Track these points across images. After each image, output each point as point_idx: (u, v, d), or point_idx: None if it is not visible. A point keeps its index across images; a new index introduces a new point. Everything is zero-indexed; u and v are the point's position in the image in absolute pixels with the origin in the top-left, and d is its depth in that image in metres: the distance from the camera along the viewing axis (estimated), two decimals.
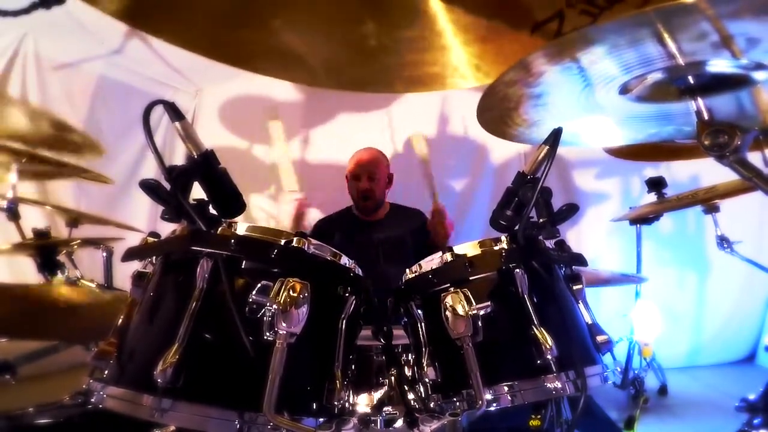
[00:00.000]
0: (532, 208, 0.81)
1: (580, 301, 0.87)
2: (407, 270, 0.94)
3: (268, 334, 0.69)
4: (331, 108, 2.82)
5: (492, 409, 0.76)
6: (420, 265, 0.91)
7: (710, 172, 2.14)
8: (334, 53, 1.15)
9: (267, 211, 2.81)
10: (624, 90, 0.78)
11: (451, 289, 0.81)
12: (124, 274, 0.87)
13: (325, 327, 0.80)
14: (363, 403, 0.94)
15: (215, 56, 1.05)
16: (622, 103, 0.82)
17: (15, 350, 1.18)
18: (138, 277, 0.79)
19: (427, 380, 0.86)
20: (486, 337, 0.78)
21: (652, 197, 2.04)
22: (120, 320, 0.77)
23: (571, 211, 0.84)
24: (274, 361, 0.67)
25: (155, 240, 0.81)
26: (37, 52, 2.28)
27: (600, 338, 0.84)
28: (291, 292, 0.69)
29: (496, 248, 0.85)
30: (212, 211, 0.77)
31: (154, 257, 0.81)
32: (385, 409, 0.92)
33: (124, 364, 0.72)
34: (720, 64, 0.68)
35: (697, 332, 2.83)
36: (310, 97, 2.77)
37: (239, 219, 0.80)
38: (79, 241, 1.63)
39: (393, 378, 0.94)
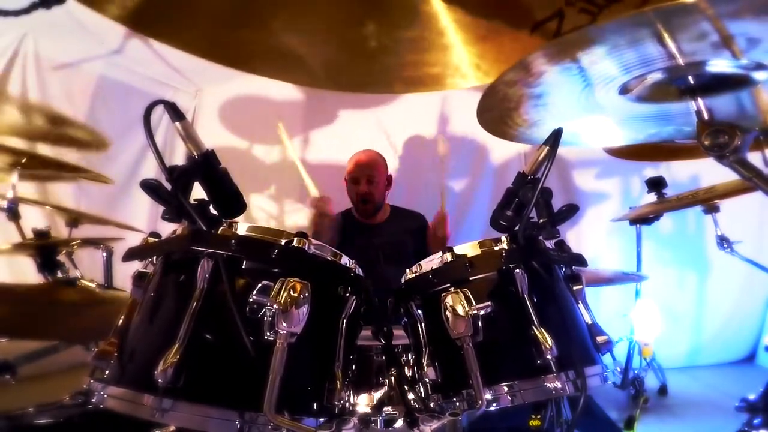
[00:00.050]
0: (532, 209, 0.81)
1: (579, 302, 0.87)
2: (407, 270, 0.94)
3: (268, 334, 0.70)
4: (332, 109, 2.82)
5: (492, 409, 0.76)
6: (420, 266, 0.91)
7: (710, 172, 2.14)
8: (334, 54, 1.15)
9: (267, 211, 2.81)
10: (624, 90, 0.78)
11: (452, 289, 0.81)
12: (124, 274, 0.87)
13: (326, 327, 0.80)
14: (363, 403, 0.94)
15: (215, 58, 1.05)
16: (622, 103, 0.82)
17: (15, 350, 1.18)
18: (139, 277, 0.79)
19: (427, 380, 0.86)
20: (486, 337, 0.78)
21: (652, 197, 2.04)
22: (120, 320, 0.77)
23: (571, 211, 0.84)
24: (274, 361, 0.67)
25: (156, 240, 0.81)
26: (37, 52, 2.28)
27: (600, 338, 0.84)
28: (291, 292, 0.69)
29: (496, 248, 0.85)
30: (213, 211, 0.77)
31: (154, 257, 0.81)
32: (385, 409, 0.92)
33: (125, 364, 0.72)
34: (720, 64, 0.68)
35: (697, 332, 2.83)
36: (311, 97, 2.78)
37: (240, 219, 0.80)
38: (79, 241, 1.63)
39: (393, 378, 0.94)
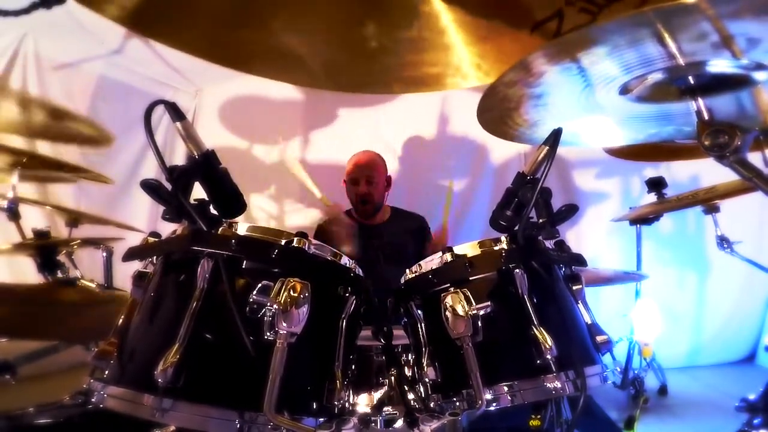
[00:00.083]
0: (532, 209, 0.81)
1: (579, 301, 0.87)
2: (407, 270, 0.94)
3: (268, 333, 0.69)
4: (332, 109, 2.82)
5: (492, 408, 0.76)
6: (420, 266, 0.91)
7: (710, 172, 2.14)
8: (333, 54, 1.15)
9: (267, 211, 2.81)
10: (624, 90, 0.78)
11: (451, 289, 0.81)
12: (124, 274, 0.87)
13: (326, 327, 0.80)
14: (363, 403, 0.94)
15: (215, 59, 1.05)
16: (622, 103, 0.82)
17: (15, 350, 1.18)
18: (138, 277, 0.79)
19: (427, 380, 0.86)
20: (486, 337, 0.78)
21: (652, 197, 2.04)
22: (120, 320, 0.77)
23: (570, 211, 0.84)
24: (274, 361, 0.67)
25: (156, 240, 0.81)
26: (37, 52, 2.28)
27: (599, 338, 0.84)
28: (291, 292, 0.69)
29: (495, 248, 0.85)
30: (213, 211, 0.77)
31: (154, 257, 0.81)
32: (385, 409, 0.92)
33: (125, 363, 0.72)
34: (720, 65, 0.68)
35: (697, 332, 2.83)
36: (310, 97, 2.78)
37: (240, 219, 0.80)
38: (79, 241, 1.63)
39: (393, 378, 0.94)
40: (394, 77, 1.21)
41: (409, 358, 0.98)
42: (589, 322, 0.86)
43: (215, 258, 0.72)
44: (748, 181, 0.67)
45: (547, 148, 0.82)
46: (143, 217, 2.41)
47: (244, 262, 0.74)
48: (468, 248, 0.86)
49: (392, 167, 2.66)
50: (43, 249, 1.39)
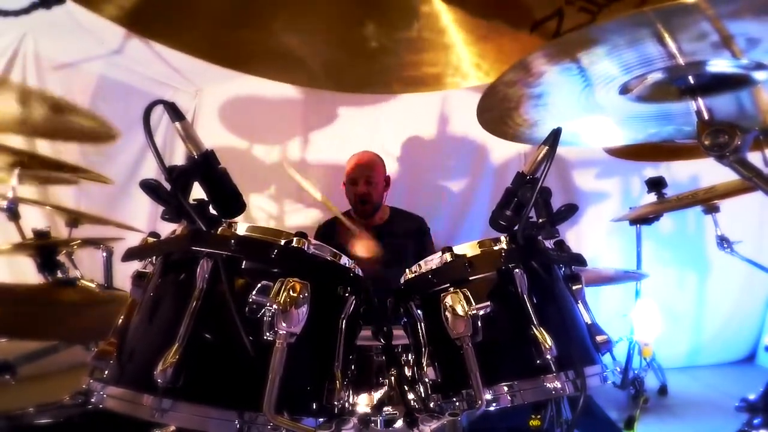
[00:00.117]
0: (532, 209, 0.81)
1: (579, 301, 0.87)
2: (407, 270, 0.94)
3: (268, 334, 0.69)
4: (331, 109, 2.82)
5: (491, 409, 0.76)
6: (420, 266, 0.91)
7: (710, 172, 2.14)
8: (333, 54, 1.15)
9: (267, 211, 2.81)
10: (624, 90, 0.78)
11: (451, 289, 0.81)
12: (124, 274, 0.87)
13: (325, 327, 0.80)
14: (363, 403, 0.94)
15: (215, 59, 1.05)
16: (622, 103, 0.82)
17: (15, 350, 1.18)
18: (138, 277, 0.79)
19: (426, 380, 0.86)
20: (485, 337, 0.78)
21: (652, 197, 2.04)
22: (120, 320, 0.77)
23: (570, 211, 0.84)
24: (274, 361, 0.67)
25: (155, 240, 0.81)
26: (37, 52, 2.28)
27: (599, 338, 0.84)
28: (291, 292, 0.69)
29: (495, 248, 0.85)
30: (212, 211, 0.77)
31: (154, 257, 0.81)
32: (385, 409, 0.92)
33: (124, 364, 0.72)
34: (720, 64, 0.68)
35: (697, 332, 2.83)
36: (310, 97, 2.78)
37: (239, 219, 0.80)
38: (79, 241, 1.63)
39: (393, 378, 0.94)
40: (394, 77, 1.21)
41: (409, 358, 0.98)
42: (589, 322, 0.86)
43: (215, 258, 0.72)
44: (748, 181, 0.67)
45: (547, 147, 0.82)
46: (143, 217, 2.41)
47: (244, 262, 0.74)
48: (468, 248, 0.86)
49: (392, 167, 2.66)
50: (43, 249, 1.39)
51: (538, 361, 0.76)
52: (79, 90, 2.40)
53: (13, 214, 1.48)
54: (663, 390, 2.33)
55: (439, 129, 2.82)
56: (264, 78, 1.19)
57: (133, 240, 0.99)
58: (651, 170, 2.42)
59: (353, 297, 0.84)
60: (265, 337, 0.69)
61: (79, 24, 2.01)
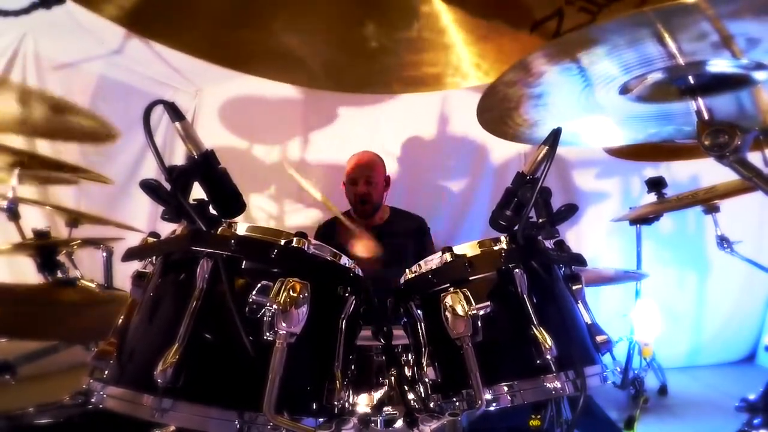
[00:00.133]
0: (532, 209, 0.81)
1: (579, 301, 0.87)
2: (407, 270, 0.94)
3: (268, 334, 0.69)
4: (331, 109, 2.82)
5: (491, 409, 0.76)
6: (420, 266, 0.91)
7: (710, 172, 2.14)
8: (333, 54, 1.15)
9: (267, 211, 2.81)
10: (624, 90, 0.78)
11: (451, 289, 0.81)
12: (124, 274, 0.87)
13: (325, 327, 0.80)
14: (363, 403, 0.94)
15: (215, 59, 1.05)
16: (622, 103, 0.82)
17: (15, 350, 1.18)
18: (138, 277, 0.79)
19: (426, 380, 0.86)
20: (486, 337, 0.78)
21: (652, 197, 2.04)
22: (120, 320, 0.77)
23: (570, 211, 0.84)
24: (274, 361, 0.67)
25: (155, 240, 0.81)
26: (37, 52, 2.28)
27: (599, 338, 0.84)
28: (291, 292, 0.69)
29: (495, 248, 0.85)
30: (212, 211, 0.77)
31: (154, 257, 0.81)
32: (385, 409, 0.92)
33: (124, 364, 0.72)
34: (720, 64, 0.68)
35: (697, 332, 2.83)
36: (310, 97, 2.78)
37: (239, 219, 0.80)
38: (79, 241, 1.63)
39: (393, 378, 0.94)
40: (394, 77, 1.21)
41: (409, 358, 0.98)
42: (589, 322, 0.86)
43: (214, 258, 0.72)
44: (748, 181, 0.67)
45: (547, 147, 0.82)
46: (143, 217, 2.41)
47: (244, 262, 0.74)
48: (468, 248, 0.86)
49: (392, 167, 2.66)
50: (43, 249, 1.39)
51: (538, 361, 0.76)
52: (79, 90, 2.40)
53: (13, 214, 1.49)
54: (663, 390, 2.33)
55: (439, 129, 2.82)
56: (264, 78, 1.18)
57: (133, 240, 0.99)
58: (651, 170, 2.42)
59: (353, 297, 0.84)
60: (265, 337, 0.69)
61: (79, 24, 2.01)
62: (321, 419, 0.75)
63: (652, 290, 2.29)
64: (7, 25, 2.17)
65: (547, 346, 0.75)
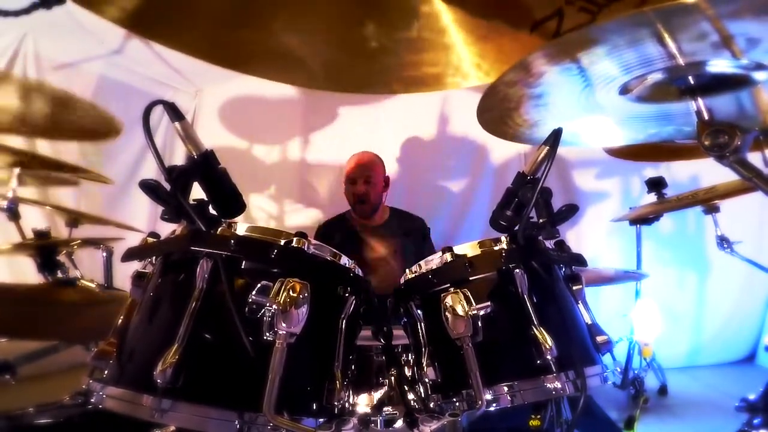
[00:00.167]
0: (532, 209, 0.81)
1: (579, 302, 0.87)
2: (407, 270, 0.94)
3: (267, 334, 0.69)
4: (331, 109, 2.82)
5: (492, 409, 0.76)
6: (420, 266, 0.91)
7: (710, 172, 2.14)
8: (333, 55, 1.15)
9: (267, 211, 2.81)
10: (624, 90, 0.78)
11: (451, 289, 0.81)
12: (124, 274, 0.87)
13: (325, 327, 0.80)
14: (363, 403, 0.94)
15: (215, 59, 1.05)
16: (622, 103, 0.82)
17: (15, 350, 1.18)
18: (138, 278, 0.79)
19: (427, 380, 0.86)
20: (486, 337, 0.78)
21: (652, 197, 2.04)
22: (120, 320, 0.77)
23: (571, 211, 0.84)
24: (273, 361, 0.67)
25: (155, 240, 0.81)
26: (37, 52, 2.28)
27: (600, 338, 0.84)
28: (291, 292, 0.69)
29: (495, 248, 0.85)
30: (212, 211, 0.77)
31: (153, 257, 0.81)
32: (385, 409, 0.92)
33: (124, 364, 0.72)
34: (720, 64, 0.68)
35: (697, 332, 2.83)
36: (310, 98, 2.77)
37: (239, 219, 0.80)
38: (79, 241, 1.63)
39: (393, 378, 0.94)
40: (394, 77, 1.21)
41: (409, 358, 0.98)
42: (589, 322, 0.86)
43: (214, 258, 0.72)
44: (748, 181, 0.67)
45: (548, 147, 0.82)
46: (143, 217, 2.41)
47: (244, 262, 0.74)
48: (468, 248, 0.86)
49: (392, 167, 2.66)
50: (43, 249, 1.39)
51: (538, 362, 0.76)
52: (79, 90, 2.37)
53: (13, 214, 1.49)
54: (663, 390, 2.33)
55: (439, 129, 2.82)
56: (264, 78, 1.19)
57: (133, 240, 0.99)
58: (651, 170, 2.42)
59: (353, 297, 0.83)
60: (264, 337, 0.69)
61: (80, 24, 2.01)
62: (321, 419, 0.75)
63: (652, 290, 2.29)
64: (7, 25, 2.17)
65: (548, 347, 0.75)
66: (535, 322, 0.77)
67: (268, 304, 0.69)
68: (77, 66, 2.40)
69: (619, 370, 2.09)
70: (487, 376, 0.76)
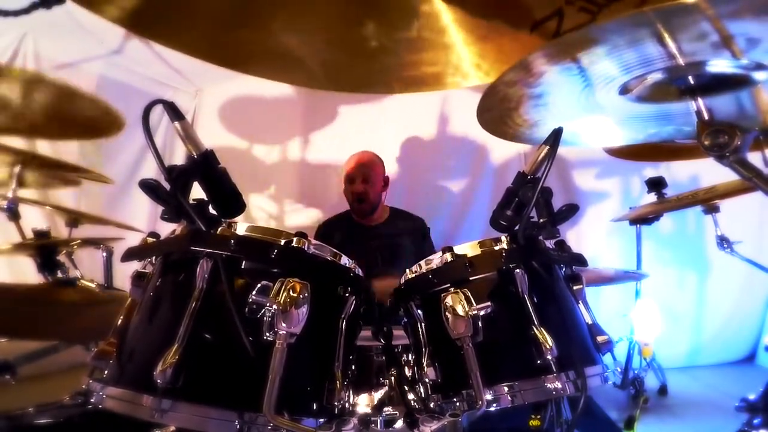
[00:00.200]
0: (532, 208, 0.81)
1: (580, 301, 0.87)
2: (407, 270, 0.94)
3: (268, 334, 0.69)
4: (331, 109, 2.82)
5: (492, 409, 0.76)
6: (420, 266, 0.91)
7: (710, 172, 2.13)
8: (333, 54, 1.15)
9: (267, 211, 2.81)
10: (624, 90, 0.78)
11: (451, 289, 0.81)
12: (124, 274, 0.87)
13: (325, 327, 0.80)
14: (363, 403, 0.94)
15: (215, 59, 1.05)
16: (622, 103, 0.82)
17: (15, 350, 1.18)
18: (137, 278, 0.79)
19: (427, 380, 0.85)
20: (486, 337, 0.78)
21: (652, 197, 2.04)
22: (120, 320, 0.77)
23: (571, 211, 0.84)
24: (274, 361, 0.67)
25: (155, 240, 0.81)
26: (37, 52, 2.28)
27: (600, 338, 0.84)
28: (291, 292, 0.69)
29: (496, 248, 0.85)
30: (212, 211, 0.77)
31: (153, 257, 0.81)
32: (385, 409, 0.92)
33: (124, 364, 0.72)
34: (720, 64, 0.68)
35: (697, 332, 2.83)
36: (310, 97, 2.77)
37: (239, 219, 0.80)
38: (79, 241, 1.63)
39: (393, 378, 0.94)
40: (394, 77, 1.21)
41: (409, 358, 0.98)
42: (590, 322, 0.86)
43: (214, 258, 0.71)
44: (748, 181, 0.67)
45: (548, 147, 0.82)
46: (143, 217, 2.42)
47: (244, 262, 0.74)
48: (468, 248, 0.86)
49: (392, 167, 2.66)
50: (43, 249, 1.39)
51: (538, 362, 0.76)
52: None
53: (13, 214, 1.48)
54: (663, 390, 2.33)
55: (439, 129, 2.82)
56: (264, 78, 1.19)
57: (133, 240, 0.99)
58: (651, 170, 2.42)
59: (353, 297, 0.83)
60: (265, 338, 0.69)
61: (79, 24, 2.01)
62: (321, 419, 0.75)
63: (652, 290, 2.29)
64: (7, 25, 2.17)
65: (548, 347, 0.75)
66: (536, 322, 0.77)
67: (268, 304, 0.69)
68: (77, 66, 2.40)
69: (619, 370, 2.09)
70: (488, 376, 0.76)
